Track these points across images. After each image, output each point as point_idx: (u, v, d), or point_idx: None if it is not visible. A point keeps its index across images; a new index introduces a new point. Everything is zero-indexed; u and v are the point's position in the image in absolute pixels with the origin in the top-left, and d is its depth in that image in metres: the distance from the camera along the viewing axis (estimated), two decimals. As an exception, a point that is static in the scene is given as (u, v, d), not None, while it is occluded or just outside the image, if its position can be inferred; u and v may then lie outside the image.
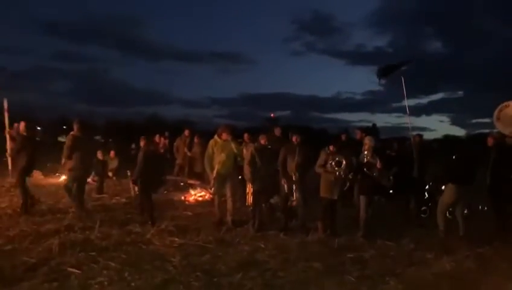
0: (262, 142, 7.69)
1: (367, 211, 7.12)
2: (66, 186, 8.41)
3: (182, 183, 11.83)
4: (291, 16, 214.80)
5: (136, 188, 8.56)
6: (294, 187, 7.31)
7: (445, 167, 7.52)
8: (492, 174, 7.50)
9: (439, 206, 7.37)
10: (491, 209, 7.78)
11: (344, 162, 7.02)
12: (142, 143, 8.44)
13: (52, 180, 13.62)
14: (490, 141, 8.01)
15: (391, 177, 7.54)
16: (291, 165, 7.39)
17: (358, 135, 10.21)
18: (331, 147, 7.32)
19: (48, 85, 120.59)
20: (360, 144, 8.27)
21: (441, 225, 7.27)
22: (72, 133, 8.27)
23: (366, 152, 7.25)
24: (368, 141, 7.36)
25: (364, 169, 7.17)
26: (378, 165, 7.10)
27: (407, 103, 9.26)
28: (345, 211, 8.07)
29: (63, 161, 8.28)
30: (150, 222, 7.55)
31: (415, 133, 9.36)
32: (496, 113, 8.37)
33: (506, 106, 8.31)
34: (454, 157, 7.34)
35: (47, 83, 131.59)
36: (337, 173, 7.05)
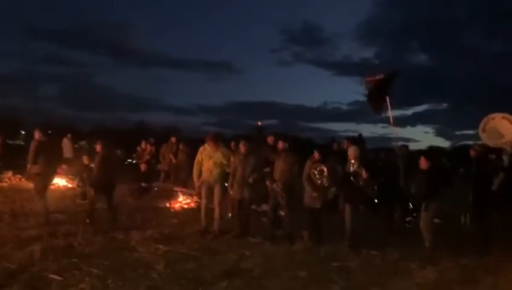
0: (242, 150, 7.71)
1: (353, 220, 7.13)
2: (37, 191, 8.25)
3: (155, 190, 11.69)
4: (280, 26, 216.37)
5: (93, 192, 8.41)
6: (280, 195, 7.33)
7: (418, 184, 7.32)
8: (474, 186, 7.54)
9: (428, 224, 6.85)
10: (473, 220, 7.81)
11: (326, 171, 7.06)
12: (98, 148, 8.48)
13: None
14: (472, 153, 8.11)
15: (375, 187, 7.56)
16: (276, 172, 7.42)
17: (345, 144, 10.25)
18: (315, 155, 7.34)
19: (34, 89, 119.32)
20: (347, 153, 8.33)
21: (429, 241, 6.77)
22: (35, 139, 8.23)
23: (352, 161, 7.29)
24: (352, 151, 7.40)
25: (351, 178, 7.20)
26: (364, 174, 7.12)
27: (391, 114, 9.35)
28: (330, 220, 8.06)
29: (29, 166, 8.21)
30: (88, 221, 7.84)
31: (400, 143, 9.44)
32: (481, 125, 8.47)
33: (492, 118, 8.41)
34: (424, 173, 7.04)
35: (34, 87, 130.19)
36: (320, 181, 7.09)
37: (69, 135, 15.62)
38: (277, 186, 7.34)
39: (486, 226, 7.22)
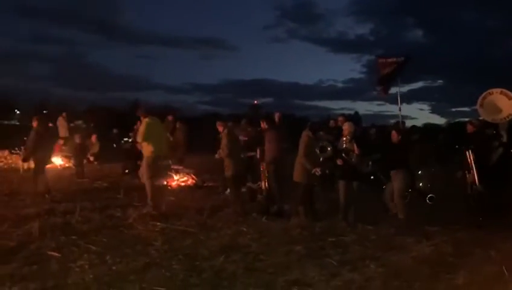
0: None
1: (346, 196, 7.19)
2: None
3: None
4: (273, 2, 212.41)
5: (25, 165, 9.04)
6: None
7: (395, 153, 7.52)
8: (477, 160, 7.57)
9: (400, 194, 7.21)
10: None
11: (329, 149, 7.07)
12: (34, 123, 8.69)
13: (32, 164, 13.40)
14: (470, 128, 8.12)
15: (370, 163, 7.58)
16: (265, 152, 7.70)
17: (340, 121, 10.26)
18: (320, 133, 7.41)
19: (26, 69, 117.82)
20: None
21: (402, 214, 7.16)
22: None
23: (344, 138, 7.30)
24: (347, 126, 7.41)
25: (343, 154, 7.22)
26: (356, 151, 7.16)
27: (399, 96, 9.27)
28: (326, 196, 8.13)
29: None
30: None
31: (397, 120, 9.45)
32: (479, 100, 8.44)
33: (489, 93, 8.37)
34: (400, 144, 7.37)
35: (25, 66, 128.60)
36: (321, 158, 7.10)
37: (64, 114, 15.56)
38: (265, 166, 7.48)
39: (483, 200, 7.30)
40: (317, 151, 7.10)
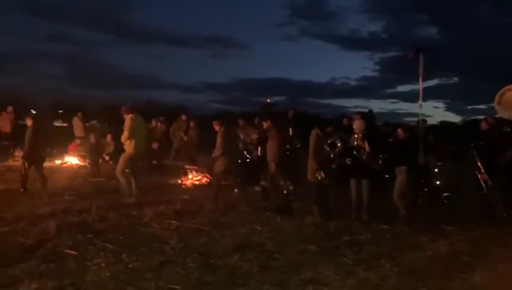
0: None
1: (357, 194, 7.21)
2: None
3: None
4: (284, 0, 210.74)
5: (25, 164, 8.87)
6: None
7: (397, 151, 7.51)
8: (484, 158, 7.48)
9: (401, 191, 7.20)
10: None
11: (339, 144, 7.05)
12: (29, 122, 8.89)
13: (48, 163, 13.58)
14: (484, 126, 8.02)
15: (380, 162, 7.49)
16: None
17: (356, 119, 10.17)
18: (328, 129, 7.36)
19: (38, 69, 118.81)
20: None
21: (403, 210, 7.15)
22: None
23: (356, 135, 7.27)
24: (358, 124, 7.39)
25: (353, 152, 7.20)
26: (367, 148, 7.13)
27: (421, 88, 9.06)
28: (340, 195, 8.10)
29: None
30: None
31: (419, 118, 9.27)
32: (497, 97, 8.31)
33: (508, 89, 8.23)
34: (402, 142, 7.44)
35: (37, 66, 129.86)
36: (330, 154, 7.08)
37: (79, 114, 15.73)
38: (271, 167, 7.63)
39: (493, 198, 7.20)
40: (327, 148, 7.09)
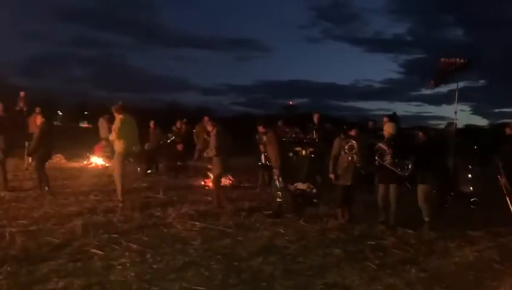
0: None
1: (383, 198, 7.12)
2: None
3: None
4: (309, 2, 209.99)
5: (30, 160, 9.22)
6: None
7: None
8: (505, 163, 7.31)
9: (424, 197, 7.03)
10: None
11: (355, 146, 6.98)
12: (38, 121, 8.99)
13: (74, 164, 13.85)
14: (508, 131, 7.82)
15: (409, 166, 7.33)
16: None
17: (385, 122, 9.99)
18: (351, 132, 7.28)
19: (66, 71, 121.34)
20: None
21: (428, 217, 6.97)
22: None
23: (385, 138, 7.17)
24: (387, 128, 7.28)
25: (376, 156, 7.11)
26: (388, 152, 7.01)
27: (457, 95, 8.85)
28: (366, 199, 8.02)
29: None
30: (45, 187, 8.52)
31: (451, 121, 9.10)
32: None
33: None
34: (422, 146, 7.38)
35: (65, 68, 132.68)
36: (350, 157, 7.01)
37: (106, 116, 15.91)
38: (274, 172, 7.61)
39: None
40: (346, 149, 7.03)
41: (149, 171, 12.75)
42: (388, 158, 7.02)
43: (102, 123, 15.43)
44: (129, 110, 8.59)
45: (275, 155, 7.50)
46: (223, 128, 8.33)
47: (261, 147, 9.38)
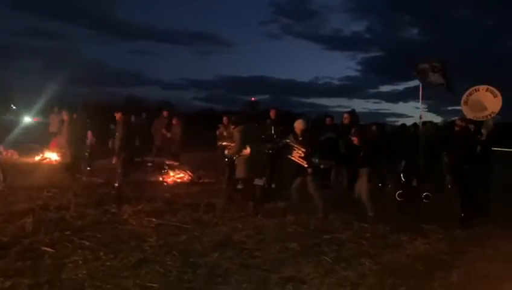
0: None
1: (295, 190, 7.37)
2: None
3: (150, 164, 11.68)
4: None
5: None
6: None
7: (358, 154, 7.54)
8: (454, 158, 7.60)
9: (368, 192, 7.28)
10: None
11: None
12: None
13: (27, 160, 13.38)
14: (456, 129, 8.13)
15: (316, 160, 7.43)
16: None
17: (346, 119, 10.12)
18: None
19: (18, 63, 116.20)
20: (347, 128, 8.44)
21: (372, 209, 7.24)
22: None
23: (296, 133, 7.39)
24: (297, 124, 7.44)
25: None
26: (296, 147, 7.22)
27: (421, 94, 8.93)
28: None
29: None
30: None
31: (424, 120, 9.21)
32: (464, 97, 8.30)
33: (475, 90, 8.25)
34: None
35: (18, 60, 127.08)
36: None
37: (55, 109, 15.37)
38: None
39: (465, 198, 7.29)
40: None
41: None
42: (296, 153, 7.22)
43: (53, 117, 14.95)
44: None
45: (237, 151, 7.51)
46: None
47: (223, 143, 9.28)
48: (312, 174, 7.18)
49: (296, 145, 7.25)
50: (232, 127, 7.93)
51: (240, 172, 7.59)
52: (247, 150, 7.41)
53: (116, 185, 8.24)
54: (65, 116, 9.33)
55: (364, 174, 7.24)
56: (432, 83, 8.60)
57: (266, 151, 8.45)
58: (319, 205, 7.22)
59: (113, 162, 8.33)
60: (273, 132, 9.69)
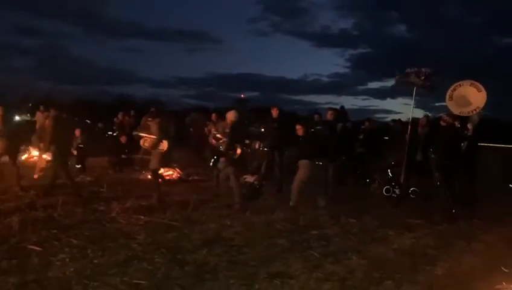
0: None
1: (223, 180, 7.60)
2: None
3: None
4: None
5: None
6: None
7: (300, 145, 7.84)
8: (441, 153, 7.68)
9: (297, 183, 7.52)
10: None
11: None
12: None
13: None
14: (442, 124, 8.21)
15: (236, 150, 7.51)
16: None
17: (330, 115, 10.12)
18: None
19: (6, 61, 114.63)
20: (332, 124, 8.49)
21: (294, 200, 7.52)
22: None
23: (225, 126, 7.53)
24: (229, 116, 7.54)
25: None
26: (222, 139, 7.36)
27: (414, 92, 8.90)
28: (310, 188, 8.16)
29: None
30: None
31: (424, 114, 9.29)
32: (448, 92, 8.32)
33: (459, 85, 8.28)
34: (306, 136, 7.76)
35: (5, 59, 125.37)
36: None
37: (41, 108, 15.20)
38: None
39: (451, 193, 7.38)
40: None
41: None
42: (222, 143, 7.35)
43: (38, 116, 14.81)
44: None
45: (155, 144, 7.59)
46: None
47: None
48: (231, 164, 7.34)
49: (219, 135, 7.40)
50: (149, 119, 7.96)
51: (153, 164, 7.71)
52: (165, 145, 7.52)
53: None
54: (51, 114, 9.20)
55: (302, 166, 7.44)
56: (408, 83, 8.74)
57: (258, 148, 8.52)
58: (237, 196, 7.34)
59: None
60: (262, 130, 9.72)
